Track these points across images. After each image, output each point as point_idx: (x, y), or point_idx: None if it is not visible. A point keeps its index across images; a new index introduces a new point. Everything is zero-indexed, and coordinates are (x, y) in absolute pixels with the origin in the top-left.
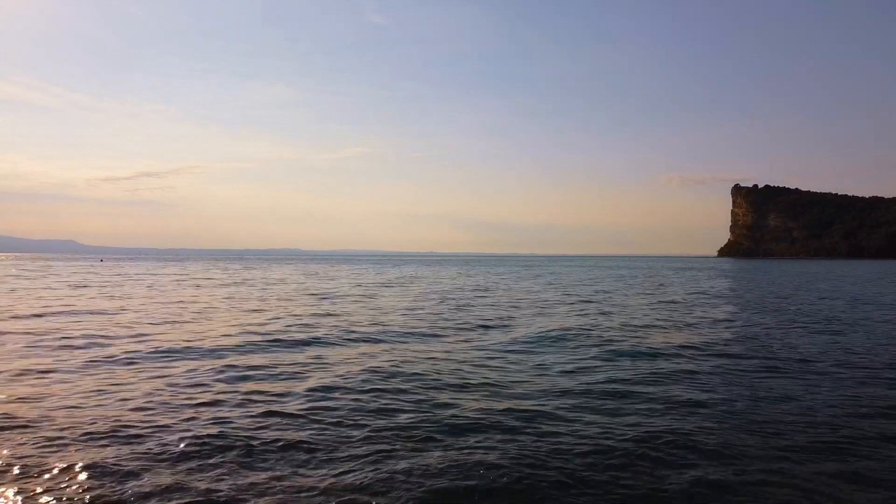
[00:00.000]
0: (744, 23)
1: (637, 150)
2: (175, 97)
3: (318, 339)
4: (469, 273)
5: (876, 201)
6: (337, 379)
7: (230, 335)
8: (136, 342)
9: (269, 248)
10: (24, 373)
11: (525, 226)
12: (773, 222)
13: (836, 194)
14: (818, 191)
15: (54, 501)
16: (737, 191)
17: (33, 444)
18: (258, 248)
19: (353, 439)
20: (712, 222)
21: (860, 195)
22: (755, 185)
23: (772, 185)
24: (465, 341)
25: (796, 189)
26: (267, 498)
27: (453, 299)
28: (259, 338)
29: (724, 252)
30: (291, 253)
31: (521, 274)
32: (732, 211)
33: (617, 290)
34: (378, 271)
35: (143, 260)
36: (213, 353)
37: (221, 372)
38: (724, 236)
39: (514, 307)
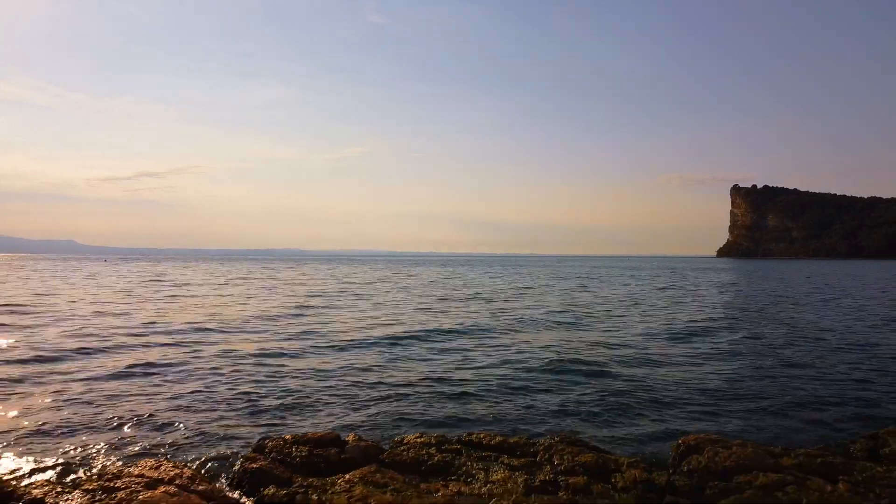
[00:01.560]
0: (744, 24)
1: (637, 150)
2: (175, 97)
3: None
4: (499, 273)
5: (875, 201)
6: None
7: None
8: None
9: (270, 248)
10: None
11: (524, 226)
12: (773, 222)
13: (836, 194)
14: (817, 191)
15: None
16: (736, 191)
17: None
18: (259, 249)
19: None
20: (712, 222)
21: (859, 195)
22: (754, 186)
23: (771, 185)
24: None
25: (795, 189)
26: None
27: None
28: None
29: (723, 252)
30: (294, 253)
31: (561, 274)
32: (731, 211)
33: (680, 288)
34: (414, 272)
35: (155, 261)
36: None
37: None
38: (723, 236)
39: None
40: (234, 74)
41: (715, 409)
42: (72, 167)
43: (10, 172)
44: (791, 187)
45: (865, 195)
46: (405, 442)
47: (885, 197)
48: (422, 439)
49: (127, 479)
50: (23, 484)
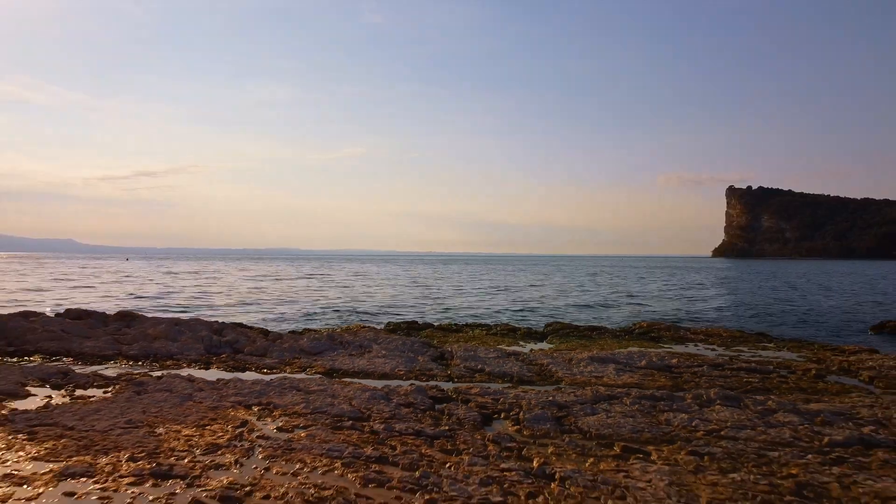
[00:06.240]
0: (743, 27)
1: (637, 150)
2: (174, 97)
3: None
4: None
5: (867, 202)
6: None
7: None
8: None
9: (268, 247)
10: None
11: (523, 226)
12: (767, 223)
13: (828, 196)
14: (810, 192)
15: None
16: (731, 192)
17: None
18: (256, 248)
19: None
20: (710, 222)
21: (852, 196)
22: (749, 187)
23: (766, 186)
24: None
25: (789, 190)
26: None
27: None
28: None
29: (718, 252)
30: (290, 252)
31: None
32: (727, 212)
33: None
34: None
35: (167, 259)
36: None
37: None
38: (721, 236)
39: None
40: (233, 74)
41: (588, 317)
42: (70, 167)
43: (8, 172)
44: (786, 188)
45: (858, 196)
46: (443, 323)
47: (877, 198)
48: (447, 323)
49: (355, 327)
50: (301, 329)
